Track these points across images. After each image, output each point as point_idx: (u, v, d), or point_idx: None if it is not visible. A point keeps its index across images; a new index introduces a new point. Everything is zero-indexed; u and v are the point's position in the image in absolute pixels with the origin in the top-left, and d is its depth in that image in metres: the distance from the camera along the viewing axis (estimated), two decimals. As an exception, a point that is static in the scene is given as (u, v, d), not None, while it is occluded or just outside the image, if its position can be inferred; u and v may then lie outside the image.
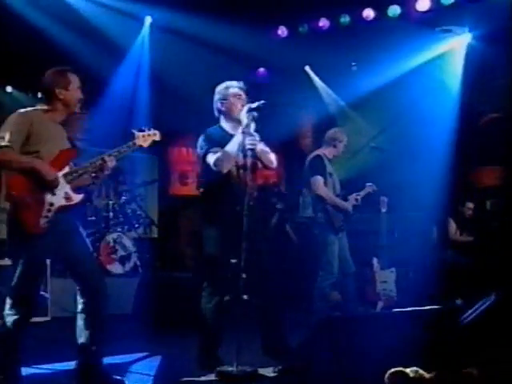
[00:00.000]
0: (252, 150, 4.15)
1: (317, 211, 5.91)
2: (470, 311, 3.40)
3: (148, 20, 8.06)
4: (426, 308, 3.70)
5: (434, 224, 7.25)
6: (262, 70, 9.27)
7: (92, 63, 7.13)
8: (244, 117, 4.20)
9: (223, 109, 4.42)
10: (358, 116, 8.52)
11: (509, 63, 6.38)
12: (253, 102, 4.24)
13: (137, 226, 7.65)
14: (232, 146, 4.20)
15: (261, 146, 4.33)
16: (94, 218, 7.37)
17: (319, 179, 5.82)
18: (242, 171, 4.23)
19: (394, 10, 7.77)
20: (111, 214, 7.35)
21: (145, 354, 4.95)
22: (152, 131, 4.11)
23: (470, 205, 7.29)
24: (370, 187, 6.21)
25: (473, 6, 7.29)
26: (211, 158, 4.21)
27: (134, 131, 4.05)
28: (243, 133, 4.17)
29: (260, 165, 4.39)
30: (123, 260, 7.13)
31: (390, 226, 6.71)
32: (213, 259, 4.30)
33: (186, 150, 9.50)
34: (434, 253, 7.02)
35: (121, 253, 7.15)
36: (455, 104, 7.73)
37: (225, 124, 4.45)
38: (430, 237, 7.19)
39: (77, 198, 3.88)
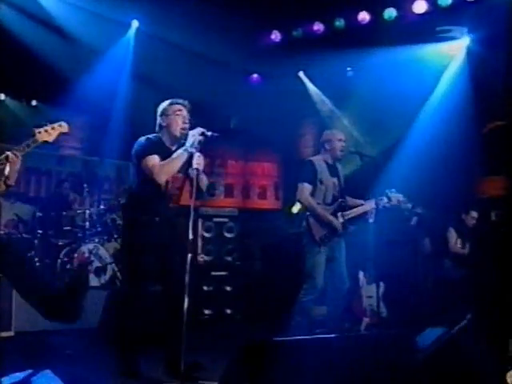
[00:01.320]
0: (197, 170, 4.27)
1: (301, 220, 5.70)
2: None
3: (135, 24, 7.93)
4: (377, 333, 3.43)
5: (426, 234, 6.97)
6: (255, 76, 9.15)
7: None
8: (192, 136, 4.33)
9: (164, 124, 4.51)
10: (350, 123, 8.29)
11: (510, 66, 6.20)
12: (202, 127, 4.36)
13: (116, 236, 7.40)
14: (177, 160, 4.30)
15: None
16: (69, 228, 7.25)
17: (304, 186, 5.56)
18: (170, 185, 4.38)
19: (390, 13, 7.60)
20: (87, 223, 7.22)
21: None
22: (57, 123, 4.05)
23: (474, 214, 6.97)
24: (366, 206, 5.74)
25: (471, 8, 7.08)
26: (151, 163, 4.27)
27: (33, 128, 3.99)
28: (187, 151, 4.28)
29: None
30: (99, 272, 6.96)
31: (378, 237, 6.43)
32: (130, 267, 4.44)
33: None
34: (427, 265, 6.75)
35: (96, 264, 6.98)
36: (456, 110, 7.46)
37: (163, 138, 4.53)
38: (422, 248, 6.91)
39: None
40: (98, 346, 5.38)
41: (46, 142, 3.96)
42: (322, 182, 5.64)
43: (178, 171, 4.34)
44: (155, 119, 4.54)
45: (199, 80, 8.18)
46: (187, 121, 4.49)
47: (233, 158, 9.68)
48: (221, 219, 7.66)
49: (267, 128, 8.97)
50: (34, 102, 9.07)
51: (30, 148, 3.88)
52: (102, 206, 7.48)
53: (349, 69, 8.45)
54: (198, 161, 4.29)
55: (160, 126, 4.56)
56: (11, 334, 5.76)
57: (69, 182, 7.92)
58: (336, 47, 7.71)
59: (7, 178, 3.77)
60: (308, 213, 5.56)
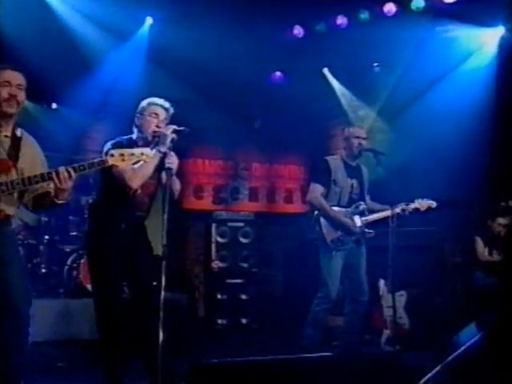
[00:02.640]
0: (170, 169, 4.04)
1: (314, 223, 5.46)
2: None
3: (149, 21, 7.72)
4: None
5: (452, 241, 6.61)
6: (278, 74, 8.88)
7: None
8: (166, 136, 4.10)
9: (137, 123, 4.36)
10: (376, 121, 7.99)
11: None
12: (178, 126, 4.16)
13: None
14: (148, 165, 4.03)
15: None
16: (76, 234, 7.10)
17: (315, 187, 5.37)
18: (139, 191, 4.18)
19: (418, 3, 7.24)
20: None
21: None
22: (139, 150, 3.63)
23: (502, 220, 6.58)
24: (388, 212, 5.41)
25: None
26: (121, 169, 3.97)
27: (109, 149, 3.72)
28: (160, 151, 4.05)
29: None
30: None
31: (400, 243, 6.10)
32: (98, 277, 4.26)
33: (202, 162, 9.14)
34: (453, 273, 6.38)
35: None
36: (489, 106, 7.05)
37: (137, 139, 4.34)
38: (448, 255, 6.55)
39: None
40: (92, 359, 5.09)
41: (114, 165, 3.62)
42: (336, 183, 5.40)
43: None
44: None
45: (218, 80, 8.07)
46: (163, 125, 4.25)
47: (257, 160, 9.48)
48: (236, 224, 7.43)
49: (293, 128, 8.74)
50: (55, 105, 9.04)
51: (91, 169, 3.54)
52: None
53: (376, 64, 8.10)
54: (171, 160, 4.05)
55: (135, 124, 4.38)
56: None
57: (78, 185, 7.75)
58: (361, 41, 7.41)
59: (56, 195, 3.55)
60: (319, 215, 5.34)
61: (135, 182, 4.07)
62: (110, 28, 7.41)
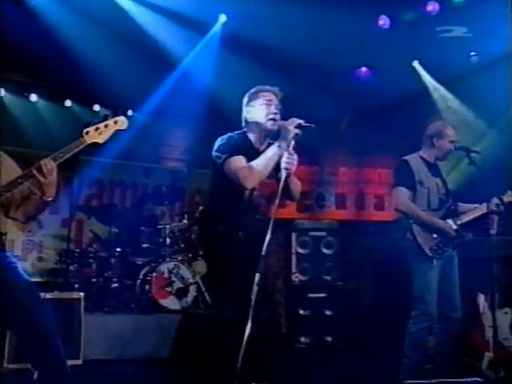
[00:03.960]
0: (288, 170, 3.66)
1: (404, 230, 5.00)
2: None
3: (222, 19, 7.43)
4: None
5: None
6: (364, 69, 8.40)
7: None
8: (288, 131, 3.71)
9: (249, 116, 4.00)
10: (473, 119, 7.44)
11: None
12: (298, 118, 3.73)
13: (201, 253, 6.87)
14: (267, 161, 3.74)
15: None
16: (148, 246, 7.01)
17: (400, 191, 4.93)
18: (256, 193, 3.91)
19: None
20: (168, 240, 6.93)
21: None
22: (112, 119, 3.52)
23: None
24: (483, 208, 4.97)
25: None
26: (236, 166, 3.73)
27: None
28: (280, 147, 3.69)
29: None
30: (180, 294, 6.63)
31: (502, 253, 5.54)
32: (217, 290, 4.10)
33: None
34: None
35: (178, 285, 6.65)
36: None
37: (250, 134, 4.01)
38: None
39: None
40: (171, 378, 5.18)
41: (95, 143, 3.48)
42: (422, 184, 4.96)
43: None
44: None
45: (299, 79, 7.70)
46: (278, 111, 3.92)
47: (344, 164, 9.09)
48: (318, 233, 7.06)
49: (382, 128, 8.30)
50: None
51: (70, 153, 3.40)
52: (185, 221, 7.12)
53: (473, 53, 7.52)
54: (290, 160, 3.65)
55: (245, 119, 4.03)
56: (79, 362, 5.54)
57: (151, 195, 7.72)
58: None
59: (43, 192, 3.39)
60: (411, 221, 4.89)
61: (251, 181, 3.73)
62: (182, 28, 7.22)
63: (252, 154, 3.81)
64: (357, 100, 8.37)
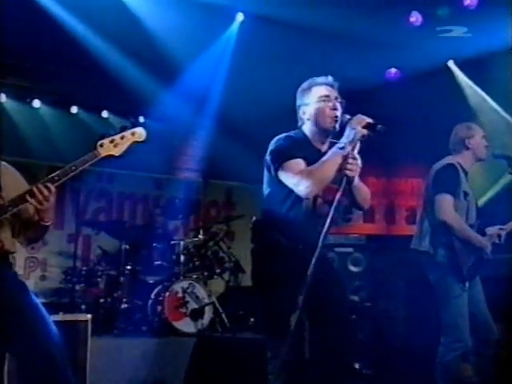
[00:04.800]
0: (349, 178, 3.42)
1: (437, 245, 4.76)
2: None
3: (240, 17, 7.30)
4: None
5: None
6: (393, 70, 8.30)
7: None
8: (355, 132, 3.43)
9: (306, 115, 3.71)
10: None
11: None
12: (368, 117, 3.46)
13: (219, 271, 7.01)
14: (331, 164, 3.45)
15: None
16: (160, 263, 6.86)
17: (448, 199, 4.60)
18: (320, 200, 3.56)
19: None
20: (182, 257, 6.80)
21: None
22: (129, 131, 3.41)
23: None
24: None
25: None
26: (295, 170, 3.49)
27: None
28: (343, 149, 3.41)
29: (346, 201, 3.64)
30: (195, 315, 6.48)
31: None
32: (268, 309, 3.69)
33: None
34: None
35: (192, 306, 6.51)
36: None
37: (309, 134, 3.73)
38: None
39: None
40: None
41: (110, 156, 3.38)
42: (466, 195, 4.71)
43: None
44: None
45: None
46: (338, 106, 3.61)
47: (373, 173, 8.80)
48: (344, 249, 6.83)
49: (414, 134, 8.09)
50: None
51: (82, 167, 3.27)
52: (200, 236, 7.04)
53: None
54: (352, 165, 3.39)
55: (301, 119, 3.75)
56: (83, 390, 5.41)
57: (164, 208, 7.63)
58: (497, 23, 6.62)
59: (40, 217, 3.28)
60: (451, 235, 4.61)
61: (311, 188, 3.45)
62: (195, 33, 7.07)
63: (312, 155, 3.56)
64: (386, 103, 8.19)
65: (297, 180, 3.45)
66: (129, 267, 6.82)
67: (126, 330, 6.45)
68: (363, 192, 3.69)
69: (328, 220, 3.25)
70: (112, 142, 3.35)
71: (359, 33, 7.00)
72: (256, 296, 3.74)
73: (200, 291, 6.63)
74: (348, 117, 3.52)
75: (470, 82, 7.82)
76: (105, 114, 8.57)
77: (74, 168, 3.25)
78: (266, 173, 3.70)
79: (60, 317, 5.35)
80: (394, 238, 8.55)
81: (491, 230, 4.78)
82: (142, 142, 3.44)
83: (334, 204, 3.29)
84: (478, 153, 4.78)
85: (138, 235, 7.10)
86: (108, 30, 6.80)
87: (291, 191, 3.51)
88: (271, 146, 3.65)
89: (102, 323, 6.33)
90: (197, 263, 6.96)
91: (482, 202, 5.40)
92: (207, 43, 7.33)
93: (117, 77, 7.19)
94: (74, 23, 6.64)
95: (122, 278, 6.73)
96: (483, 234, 4.74)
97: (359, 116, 3.47)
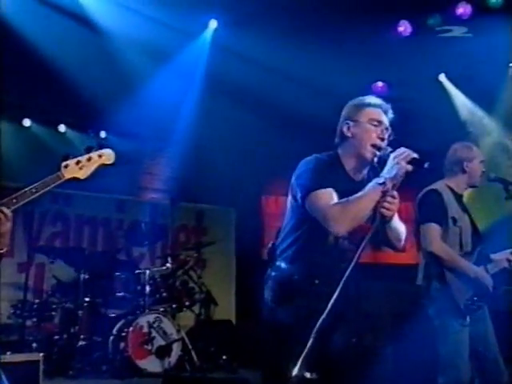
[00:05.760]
0: (385, 217, 3.30)
1: (431, 278, 4.64)
2: None
3: (213, 25, 7.33)
4: None
5: None
6: (380, 84, 8.28)
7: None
8: (395, 163, 3.28)
9: (348, 134, 3.51)
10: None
11: None
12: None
13: (189, 304, 6.93)
14: (365, 203, 3.28)
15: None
16: (123, 294, 6.72)
17: (433, 228, 4.53)
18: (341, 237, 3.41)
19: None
20: (148, 287, 6.65)
21: None
22: (95, 152, 3.39)
23: None
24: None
25: None
26: (323, 202, 3.31)
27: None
28: (383, 184, 3.28)
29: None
30: (162, 352, 6.34)
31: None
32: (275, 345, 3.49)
33: (274, 200, 8.85)
34: None
35: (159, 342, 6.37)
36: None
37: (344, 158, 3.53)
38: None
39: None
40: None
41: (75, 178, 3.34)
42: (455, 222, 4.57)
43: None
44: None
45: (303, 97, 7.62)
46: (386, 135, 3.46)
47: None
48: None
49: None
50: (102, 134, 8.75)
51: (44, 190, 3.21)
52: (168, 264, 6.88)
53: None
54: (389, 204, 3.26)
55: (342, 135, 3.55)
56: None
57: (127, 233, 7.54)
58: (492, 35, 6.64)
59: None
60: (442, 267, 4.50)
61: (344, 226, 3.29)
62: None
63: (344, 185, 3.39)
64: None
65: (327, 214, 3.27)
66: (87, 299, 6.69)
67: (83, 370, 6.28)
68: (399, 231, 3.56)
69: (356, 256, 3.10)
70: (78, 163, 3.32)
71: (345, 41, 7.02)
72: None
73: (168, 326, 6.53)
74: (390, 149, 3.34)
75: (464, 98, 7.89)
76: (62, 128, 8.40)
77: (34, 191, 3.17)
78: (290, 197, 3.53)
79: (8, 358, 5.20)
80: (379, 267, 8.50)
81: (499, 256, 4.69)
82: (110, 164, 3.42)
83: (364, 242, 3.12)
84: (472, 178, 4.69)
85: (98, 263, 7.00)
86: (66, 38, 6.70)
87: (316, 221, 3.32)
88: (299, 168, 3.47)
89: (55, 363, 6.16)
90: (164, 294, 6.87)
91: (484, 226, 5.24)
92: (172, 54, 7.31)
93: (74, 88, 7.09)
94: (26, 31, 6.52)
95: (79, 312, 6.60)
96: (488, 260, 4.62)
97: (404, 149, 3.29)
